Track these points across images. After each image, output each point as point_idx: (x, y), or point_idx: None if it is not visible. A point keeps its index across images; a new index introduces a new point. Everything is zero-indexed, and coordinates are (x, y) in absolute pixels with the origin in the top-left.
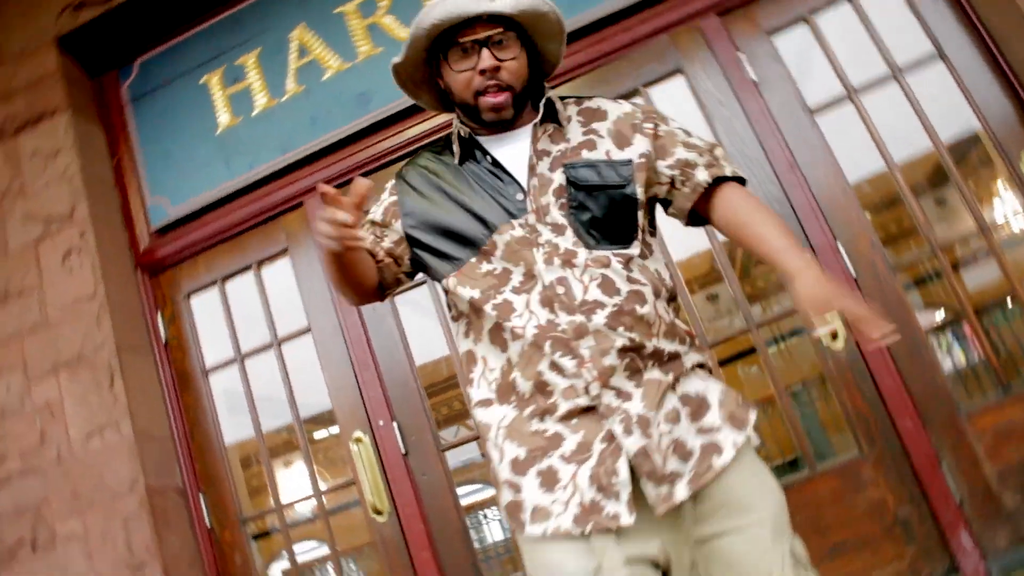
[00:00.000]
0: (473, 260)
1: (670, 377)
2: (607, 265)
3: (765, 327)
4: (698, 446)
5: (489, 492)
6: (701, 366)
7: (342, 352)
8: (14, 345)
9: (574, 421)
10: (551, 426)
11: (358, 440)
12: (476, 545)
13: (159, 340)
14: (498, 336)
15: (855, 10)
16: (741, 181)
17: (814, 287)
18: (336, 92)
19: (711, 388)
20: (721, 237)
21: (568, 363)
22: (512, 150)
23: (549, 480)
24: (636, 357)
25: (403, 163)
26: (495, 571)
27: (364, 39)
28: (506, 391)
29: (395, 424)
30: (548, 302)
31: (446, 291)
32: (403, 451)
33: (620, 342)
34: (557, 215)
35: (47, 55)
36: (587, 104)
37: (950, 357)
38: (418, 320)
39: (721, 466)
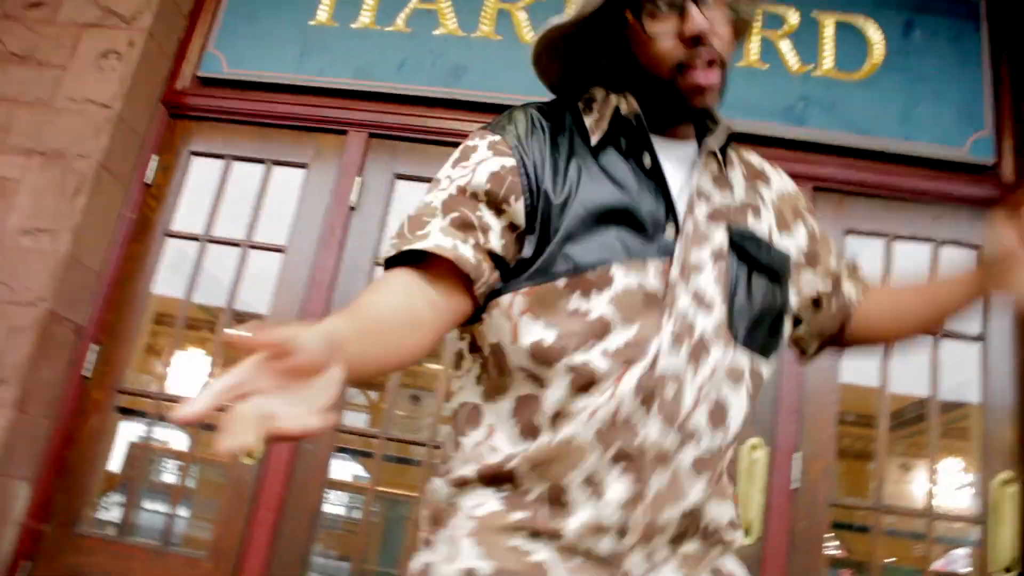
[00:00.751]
0: (560, 284)
1: (709, 551)
2: (738, 379)
3: None
4: None
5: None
6: (735, 538)
7: (301, 290)
8: (4, 108)
9: (575, 561)
10: (540, 551)
11: None
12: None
13: (142, 179)
14: (525, 412)
15: (933, 258)
16: None
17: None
18: (437, 51)
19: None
20: None
21: (622, 488)
22: (669, 165)
23: None
24: (691, 523)
25: (507, 113)
26: (330, 542)
27: (490, 20)
28: (497, 477)
29: None
30: (648, 395)
31: (479, 314)
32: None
33: (694, 498)
34: (710, 284)
35: None
36: (749, 156)
37: None
38: None
39: None
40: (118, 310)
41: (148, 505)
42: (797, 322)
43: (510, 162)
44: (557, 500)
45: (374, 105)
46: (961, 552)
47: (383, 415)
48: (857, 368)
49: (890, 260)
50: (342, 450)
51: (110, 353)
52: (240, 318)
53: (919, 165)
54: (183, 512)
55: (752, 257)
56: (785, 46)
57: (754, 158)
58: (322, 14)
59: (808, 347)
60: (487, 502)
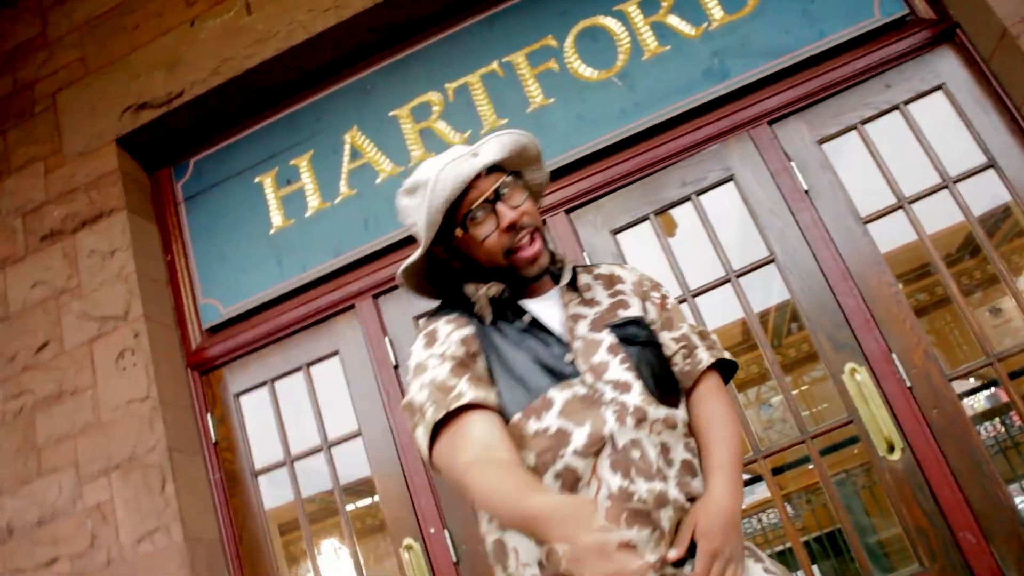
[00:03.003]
0: (518, 417)
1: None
2: (673, 426)
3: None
4: None
5: None
6: None
7: (393, 458)
8: (66, 445)
9: None
10: None
11: (409, 547)
12: None
13: (209, 441)
14: None
15: (906, 120)
16: (734, 367)
17: (709, 517)
18: (388, 196)
19: None
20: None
21: (644, 537)
22: (544, 313)
23: None
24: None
25: (438, 310)
26: None
27: (416, 143)
28: None
29: (447, 532)
30: (623, 467)
31: None
32: (454, 559)
33: (674, 495)
34: (620, 372)
35: (107, 155)
36: (599, 271)
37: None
38: None
39: None
40: (251, 560)
41: None
42: None
43: (468, 331)
44: None
45: (364, 270)
46: None
47: None
48: (887, 234)
49: (871, 146)
50: None
51: None
52: (352, 490)
53: (847, 51)
54: None
55: (634, 339)
56: (674, 20)
57: (605, 269)
58: (276, 219)
59: None
60: None
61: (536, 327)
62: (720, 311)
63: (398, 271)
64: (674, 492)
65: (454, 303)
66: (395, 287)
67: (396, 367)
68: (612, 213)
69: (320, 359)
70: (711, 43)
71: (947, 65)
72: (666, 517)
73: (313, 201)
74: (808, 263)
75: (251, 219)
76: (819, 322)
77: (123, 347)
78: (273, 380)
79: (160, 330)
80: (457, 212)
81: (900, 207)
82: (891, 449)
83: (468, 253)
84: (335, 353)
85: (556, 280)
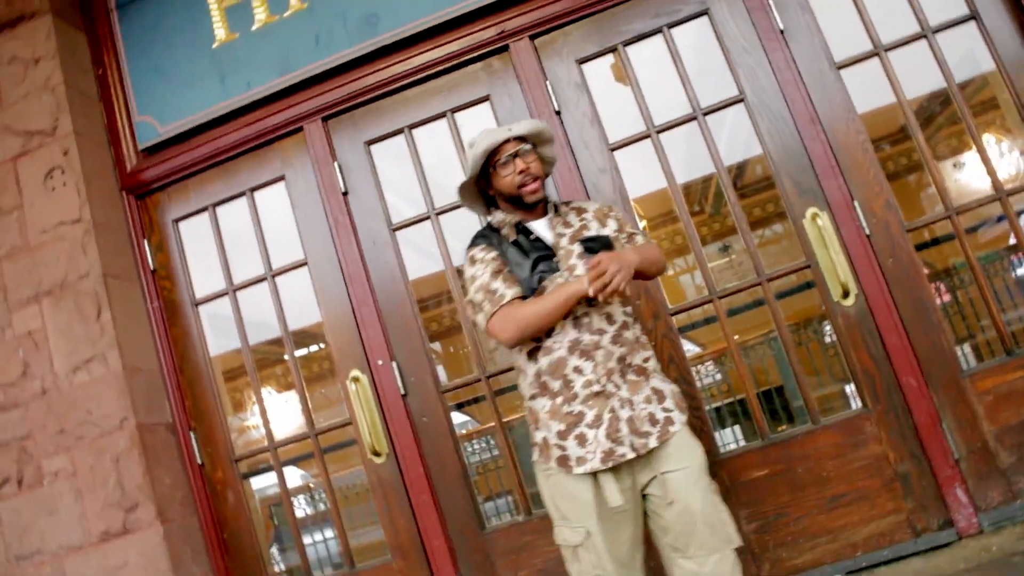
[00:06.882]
0: (529, 296)
1: (642, 378)
2: (611, 303)
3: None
4: (662, 418)
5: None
6: (655, 368)
7: (340, 288)
8: None
9: (589, 402)
10: (575, 407)
11: (355, 379)
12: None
13: (147, 268)
14: (533, 355)
15: None
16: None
17: (613, 253)
18: (341, 10)
19: (666, 386)
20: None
21: (587, 365)
22: (540, 231)
23: (581, 441)
24: (623, 364)
25: (474, 241)
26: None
27: None
28: (543, 389)
29: (394, 364)
30: (577, 324)
31: None
32: (402, 392)
33: (617, 354)
34: (583, 270)
35: None
36: (572, 205)
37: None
38: (416, 256)
39: (674, 431)
40: (192, 391)
41: (309, 539)
42: None
43: (495, 253)
44: (568, 384)
45: (313, 90)
46: None
47: None
48: (862, 90)
49: None
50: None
51: (208, 430)
52: (302, 337)
53: None
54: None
55: (593, 246)
56: None
57: (576, 204)
58: (219, 32)
59: None
60: (545, 404)
61: (538, 240)
62: (687, 162)
63: (457, 187)
64: (606, 341)
65: (479, 236)
66: (346, 109)
67: (345, 193)
68: (579, 42)
69: (265, 184)
70: None
71: None
72: (600, 355)
73: (260, 14)
74: (778, 105)
75: (192, 31)
76: (784, 166)
77: (51, 165)
78: (215, 205)
79: (92, 148)
80: (492, 159)
81: (876, 54)
82: (845, 295)
83: (496, 184)
84: (281, 178)
85: (546, 211)
